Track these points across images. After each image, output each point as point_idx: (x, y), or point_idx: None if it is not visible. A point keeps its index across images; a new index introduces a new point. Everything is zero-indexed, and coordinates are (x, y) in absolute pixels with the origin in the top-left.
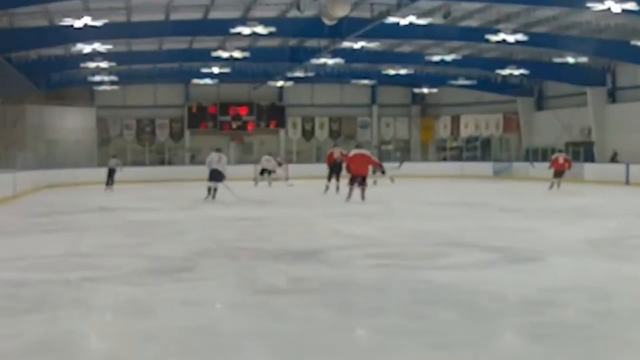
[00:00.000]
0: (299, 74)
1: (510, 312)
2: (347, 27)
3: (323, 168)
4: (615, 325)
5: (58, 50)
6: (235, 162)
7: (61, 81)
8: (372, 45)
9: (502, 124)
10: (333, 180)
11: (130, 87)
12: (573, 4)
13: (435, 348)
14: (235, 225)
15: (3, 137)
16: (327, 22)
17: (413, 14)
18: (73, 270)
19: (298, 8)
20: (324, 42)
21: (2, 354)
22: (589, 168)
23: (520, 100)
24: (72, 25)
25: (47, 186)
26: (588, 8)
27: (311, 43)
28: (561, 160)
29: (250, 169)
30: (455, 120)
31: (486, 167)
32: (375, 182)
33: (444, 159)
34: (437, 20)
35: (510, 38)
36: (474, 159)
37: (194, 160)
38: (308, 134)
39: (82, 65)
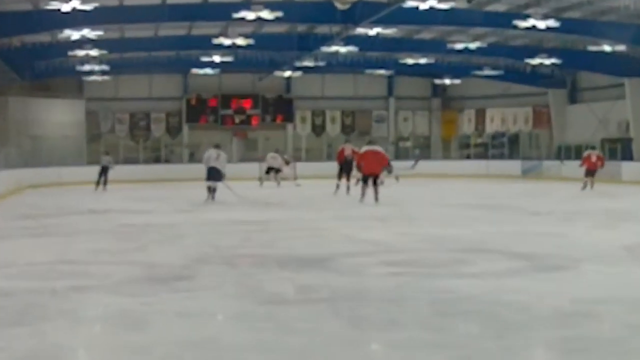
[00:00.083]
0: (308, 63)
1: (538, 324)
2: (361, 12)
3: (334, 166)
4: None
5: (44, 37)
6: (238, 160)
7: (47, 71)
8: (389, 31)
9: (532, 119)
10: (344, 180)
11: (122, 77)
12: None
13: None
14: (237, 230)
15: None
16: (339, 6)
17: None
18: (60, 278)
19: None
20: (335, 29)
21: None
22: (626, 167)
23: (552, 92)
24: (59, 10)
25: (32, 186)
26: None
27: (322, 29)
28: (594, 158)
29: (254, 168)
30: (480, 115)
31: (514, 165)
32: (382, 182)
33: (468, 157)
34: (461, 4)
35: (541, 24)
36: (500, 157)
37: (193, 157)
38: (318, 129)
39: (70, 53)
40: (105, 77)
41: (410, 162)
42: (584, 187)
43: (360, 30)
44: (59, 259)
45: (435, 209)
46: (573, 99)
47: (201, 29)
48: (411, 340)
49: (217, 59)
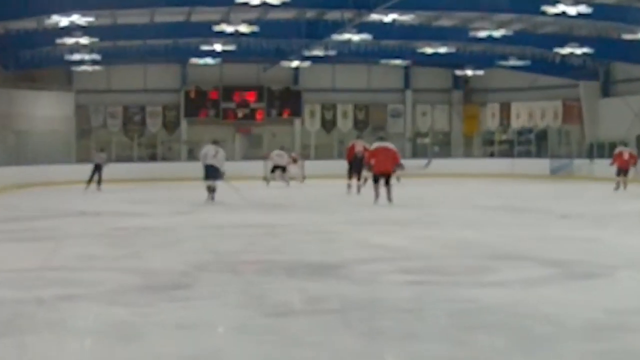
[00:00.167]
0: (318, 52)
1: (570, 338)
2: None
3: (345, 165)
4: None
5: (29, 23)
6: (241, 157)
7: (33, 61)
8: (406, 18)
9: (561, 113)
10: (354, 180)
11: (115, 67)
12: None
13: None
14: (240, 234)
15: None
16: None
17: None
18: (47, 286)
19: None
20: (348, 15)
21: None
22: None
23: (583, 84)
24: None
25: (17, 186)
26: None
27: (333, 15)
28: (626, 156)
29: (259, 166)
30: (505, 109)
31: (542, 164)
32: (398, 180)
33: (491, 155)
34: None
35: (572, 10)
36: (527, 154)
37: (192, 155)
38: (329, 125)
39: (57, 41)
40: (97, 68)
41: (424, 161)
42: (617, 187)
43: (374, 17)
44: (46, 266)
45: (457, 211)
46: (606, 92)
47: (201, 14)
48: (430, 355)
49: (218, 47)
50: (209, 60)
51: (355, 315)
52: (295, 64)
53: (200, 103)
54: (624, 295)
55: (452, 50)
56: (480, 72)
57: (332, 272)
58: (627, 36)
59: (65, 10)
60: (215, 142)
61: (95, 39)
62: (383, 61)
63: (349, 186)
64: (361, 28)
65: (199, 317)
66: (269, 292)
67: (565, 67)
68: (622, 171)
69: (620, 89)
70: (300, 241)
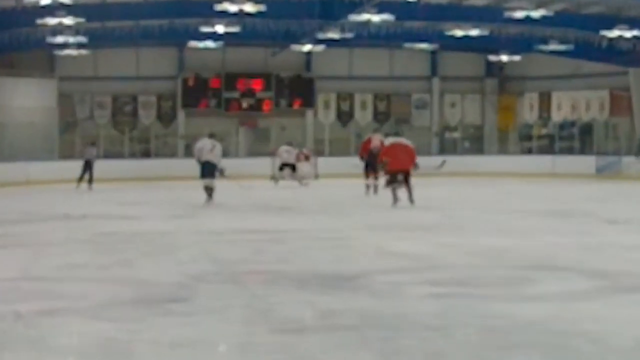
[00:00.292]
0: (333, 35)
1: (616, 359)
2: None
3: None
4: None
5: (6, 1)
6: (245, 154)
7: (10, 44)
8: None
9: (609, 104)
10: (372, 179)
11: (103, 51)
12: None
13: None
14: (244, 240)
15: None
16: None
17: None
18: (26, 299)
19: None
20: None
21: None
22: None
23: (634, 72)
24: None
25: None
26: None
27: None
28: None
29: (266, 164)
30: (545, 99)
31: (586, 162)
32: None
33: (529, 152)
34: None
35: None
36: (569, 151)
37: (190, 151)
38: (345, 117)
39: (38, 21)
40: (82, 52)
41: (438, 160)
42: None
43: None
44: (25, 275)
45: (490, 215)
46: None
47: None
48: None
49: (220, 29)
50: (209, 44)
51: (374, 332)
52: (307, 48)
53: (199, 92)
54: None
55: (485, 32)
56: (516, 58)
57: (348, 283)
58: None
59: None
60: (211, 136)
61: (81, 19)
62: (407, 45)
63: (368, 187)
64: (382, 7)
65: (197, 334)
66: (276, 306)
67: (612, 52)
68: None
69: None
70: (312, 248)
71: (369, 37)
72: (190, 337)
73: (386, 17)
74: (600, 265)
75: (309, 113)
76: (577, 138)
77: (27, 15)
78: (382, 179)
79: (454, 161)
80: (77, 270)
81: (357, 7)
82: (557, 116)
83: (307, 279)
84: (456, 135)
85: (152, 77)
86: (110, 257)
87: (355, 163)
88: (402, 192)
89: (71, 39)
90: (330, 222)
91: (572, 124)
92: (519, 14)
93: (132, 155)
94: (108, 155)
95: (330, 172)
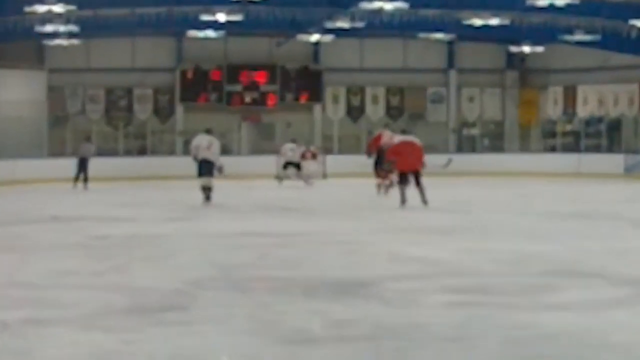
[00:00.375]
0: (342, 24)
1: None
2: None
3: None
4: None
5: None
6: (249, 151)
7: None
8: None
9: (639, 99)
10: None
11: (96, 41)
12: None
13: None
14: (248, 244)
15: None
16: None
17: None
18: (13, 308)
19: None
20: None
21: None
22: None
23: None
24: None
25: None
26: None
27: None
28: None
29: (270, 162)
30: (570, 93)
31: (614, 161)
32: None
33: (553, 150)
34: None
35: None
36: (596, 149)
37: (189, 148)
38: (355, 112)
39: (26, 9)
40: (74, 41)
41: (443, 160)
42: None
43: None
44: (11, 282)
45: (511, 217)
46: None
47: None
48: None
49: (221, 17)
50: (210, 33)
51: (389, 344)
52: (314, 38)
53: (199, 85)
54: None
55: (506, 21)
56: (539, 49)
57: (360, 291)
58: None
59: None
60: (208, 132)
61: (72, 7)
62: (422, 35)
63: (379, 186)
64: None
65: (197, 345)
66: (282, 316)
67: None
68: None
69: None
70: (321, 253)
71: (381, 26)
72: (190, 349)
73: (399, 4)
74: (629, 272)
75: (317, 108)
76: (604, 135)
77: (14, 2)
78: (394, 178)
79: (472, 160)
80: (68, 277)
81: None
82: (582, 112)
83: (316, 286)
84: (474, 131)
85: (148, 68)
86: (104, 263)
87: (362, 162)
88: (410, 194)
89: (61, 28)
90: (340, 225)
91: (599, 120)
92: (542, 2)
93: (127, 152)
94: (101, 152)
95: (340, 172)
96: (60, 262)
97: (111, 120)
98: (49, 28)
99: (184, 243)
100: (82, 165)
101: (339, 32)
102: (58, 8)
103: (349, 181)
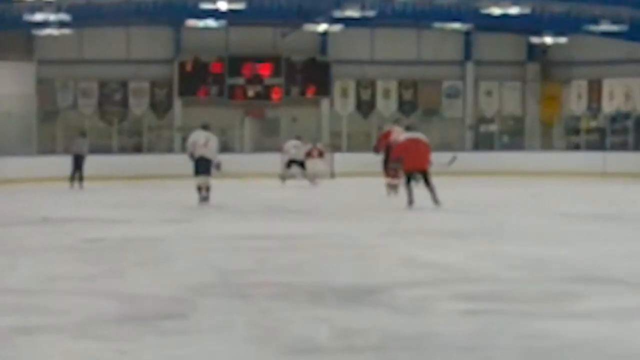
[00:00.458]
0: (352, 13)
1: None
2: None
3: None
4: None
5: None
6: (252, 149)
7: None
8: None
9: None
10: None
11: (89, 31)
12: None
13: None
14: (249, 247)
15: None
16: None
17: None
18: (0, 315)
19: None
20: None
21: None
22: None
23: None
24: None
25: None
26: None
27: None
28: None
29: (275, 160)
30: (595, 88)
31: None
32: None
33: (576, 147)
34: None
35: None
36: (622, 147)
37: (186, 145)
38: (365, 107)
39: None
40: (65, 31)
41: (448, 157)
42: None
43: None
44: None
45: (531, 219)
46: None
47: None
48: None
49: (222, 6)
50: (210, 23)
51: (399, 354)
52: (322, 28)
53: (198, 78)
54: None
55: (526, 11)
56: (562, 40)
57: (368, 297)
58: None
59: None
60: (204, 127)
61: None
62: (437, 25)
63: (389, 186)
64: None
65: (196, 355)
66: (287, 324)
67: None
68: None
69: None
70: (327, 257)
71: (393, 15)
72: (188, 358)
73: None
74: None
75: (324, 102)
76: (631, 132)
77: None
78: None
79: (490, 158)
80: (59, 282)
81: None
82: (608, 107)
83: (321, 293)
84: (493, 128)
85: (144, 60)
86: (97, 267)
87: (367, 160)
88: (421, 193)
89: (52, 17)
90: (347, 227)
91: (626, 116)
92: None
93: (122, 150)
94: (94, 149)
95: (348, 170)
96: (50, 266)
97: (105, 115)
98: (38, 17)
99: (182, 246)
100: (77, 163)
101: (348, 22)
102: None
103: (357, 181)
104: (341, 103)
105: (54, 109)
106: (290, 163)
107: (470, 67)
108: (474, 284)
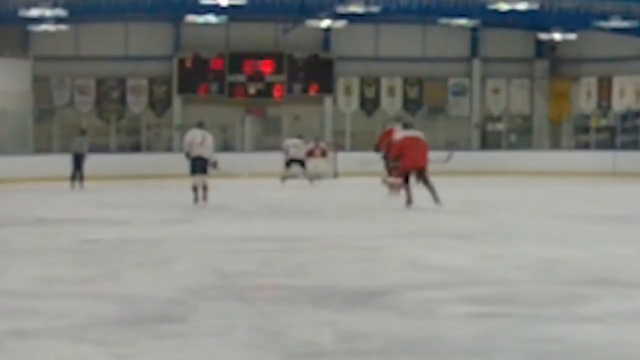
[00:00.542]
0: (355, 8)
1: None
2: None
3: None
4: None
5: None
6: (252, 148)
7: None
8: None
9: None
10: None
11: (86, 27)
12: None
13: None
14: (251, 249)
15: None
16: None
17: None
18: None
19: None
20: None
21: None
22: None
23: None
24: None
25: None
26: None
27: None
28: None
29: (276, 159)
30: (605, 85)
31: None
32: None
33: (586, 147)
34: None
35: None
36: (633, 146)
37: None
38: (369, 105)
39: None
40: (61, 27)
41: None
42: None
43: None
44: None
45: (540, 220)
46: None
47: None
48: None
49: (223, 1)
50: (210, 18)
51: (405, 358)
52: (325, 23)
53: (198, 75)
54: None
55: (535, 6)
56: (571, 36)
57: (373, 300)
58: None
59: None
60: (200, 126)
61: None
62: (443, 20)
63: (392, 186)
64: None
65: (196, 359)
66: (289, 328)
67: None
68: None
69: None
70: (331, 259)
71: (398, 10)
72: None
73: None
74: None
75: (328, 100)
76: None
77: None
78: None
79: (497, 157)
80: (55, 284)
81: None
82: (618, 105)
83: (324, 296)
84: (500, 126)
85: (143, 57)
86: (94, 269)
87: (366, 159)
88: (421, 193)
89: (48, 13)
90: (351, 229)
91: (637, 114)
92: None
93: (120, 148)
94: (92, 148)
95: (352, 170)
96: (46, 268)
97: (102, 113)
98: (34, 12)
99: (182, 247)
100: (77, 163)
101: (352, 18)
102: None
103: (361, 180)
104: (345, 101)
105: (50, 107)
106: (290, 162)
107: (477, 64)
108: (481, 286)
